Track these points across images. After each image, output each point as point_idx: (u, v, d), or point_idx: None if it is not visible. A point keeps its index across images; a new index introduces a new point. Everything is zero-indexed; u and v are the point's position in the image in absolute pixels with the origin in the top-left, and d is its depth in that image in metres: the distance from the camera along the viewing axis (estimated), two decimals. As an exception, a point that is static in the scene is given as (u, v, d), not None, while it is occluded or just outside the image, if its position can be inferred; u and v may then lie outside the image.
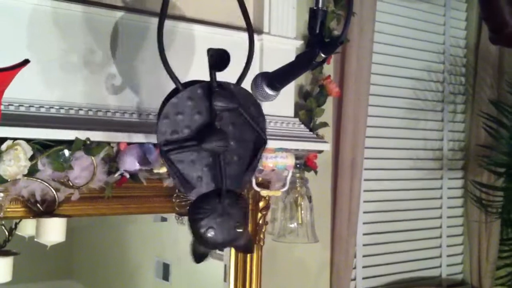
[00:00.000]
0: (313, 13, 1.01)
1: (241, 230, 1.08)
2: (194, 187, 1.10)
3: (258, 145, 1.15)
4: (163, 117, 1.09)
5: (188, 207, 1.11)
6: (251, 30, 1.21)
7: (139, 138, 1.40)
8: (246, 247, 1.18)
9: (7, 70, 1.03)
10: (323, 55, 0.99)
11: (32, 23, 1.37)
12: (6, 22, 1.34)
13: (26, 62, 1.07)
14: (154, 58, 1.49)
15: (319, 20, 0.99)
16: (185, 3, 1.61)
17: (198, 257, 1.14)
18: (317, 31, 0.99)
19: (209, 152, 1.09)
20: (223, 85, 1.10)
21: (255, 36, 1.74)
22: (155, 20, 1.49)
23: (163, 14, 1.13)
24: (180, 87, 1.11)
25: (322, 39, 0.99)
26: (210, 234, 1.05)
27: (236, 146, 1.12)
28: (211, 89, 1.08)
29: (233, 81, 1.16)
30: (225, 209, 1.07)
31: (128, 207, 1.54)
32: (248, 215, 1.15)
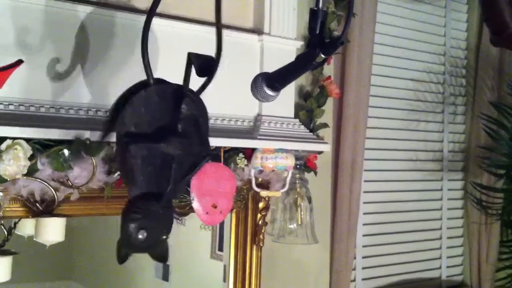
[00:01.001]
0: (313, 14, 1.01)
1: (165, 237, 1.07)
2: (136, 184, 1.06)
3: (198, 159, 1.11)
4: (129, 106, 1.07)
5: (125, 204, 1.08)
6: (220, 38, 1.18)
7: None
8: (162, 255, 1.14)
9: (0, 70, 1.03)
10: (323, 56, 0.99)
11: (31, 21, 1.37)
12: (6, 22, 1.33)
13: (19, 62, 1.06)
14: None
15: (319, 21, 0.99)
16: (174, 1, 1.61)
17: (122, 257, 1.10)
18: (317, 32, 0.99)
19: (164, 153, 1.06)
20: (191, 91, 1.09)
21: (256, 37, 1.76)
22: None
23: (152, 10, 1.10)
24: (152, 82, 1.09)
25: (322, 40, 0.99)
26: (141, 235, 1.03)
27: (181, 154, 1.09)
28: (183, 92, 1.07)
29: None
30: (159, 214, 1.05)
31: (128, 207, 1.53)
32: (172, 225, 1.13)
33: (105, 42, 1.47)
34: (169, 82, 1.13)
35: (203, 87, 1.15)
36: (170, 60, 1.46)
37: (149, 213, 1.04)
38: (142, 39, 1.08)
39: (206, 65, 1.08)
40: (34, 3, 1.37)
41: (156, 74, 1.11)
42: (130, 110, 1.07)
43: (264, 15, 1.78)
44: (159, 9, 1.10)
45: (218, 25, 1.20)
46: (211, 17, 1.64)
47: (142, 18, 1.14)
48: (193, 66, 1.07)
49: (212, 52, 1.17)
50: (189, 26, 1.62)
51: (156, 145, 1.05)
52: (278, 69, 1.04)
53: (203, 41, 1.57)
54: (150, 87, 1.09)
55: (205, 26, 1.62)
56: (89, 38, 1.45)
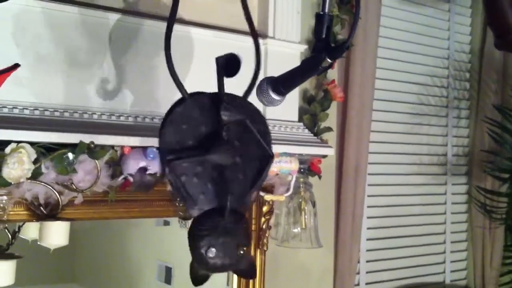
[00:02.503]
0: (319, 18, 1.01)
1: (243, 253, 1.01)
2: (196, 203, 1.03)
3: (263, 162, 1.08)
4: (168, 125, 1.05)
5: (190, 225, 1.04)
6: (257, 41, 1.16)
7: (147, 141, 1.39)
8: (247, 272, 1.09)
9: None
10: (329, 60, 0.98)
11: (29, 25, 1.37)
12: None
13: (16, 66, 1.06)
14: (148, 60, 1.48)
15: (325, 25, 0.99)
16: (187, 7, 1.61)
17: (199, 280, 1.06)
18: (323, 36, 0.99)
19: (214, 164, 1.03)
20: (231, 96, 1.06)
21: (260, 41, 1.75)
22: (148, 22, 1.50)
23: (171, 21, 1.09)
24: (187, 96, 1.07)
25: (328, 44, 0.99)
26: (211, 254, 0.97)
27: (241, 162, 1.06)
28: (220, 98, 1.04)
29: (237, 90, 1.12)
30: (227, 229, 0.99)
31: (131, 211, 1.53)
32: (251, 237, 1.08)
33: (129, 48, 1.48)
34: (204, 93, 1.09)
35: (250, 88, 1.12)
36: (187, 65, 1.46)
37: (216, 230, 0.99)
38: (166, 56, 1.05)
39: (232, 64, 1.03)
40: (64, 10, 1.39)
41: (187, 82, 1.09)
42: (171, 128, 1.04)
43: (268, 18, 1.78)
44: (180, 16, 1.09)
45: (255, 40, 1.17)
46: (219, 21, 1.66)
47: (162, 24, 1.13)
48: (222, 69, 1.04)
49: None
50: (201, 31, 1.63)
51: (203, 157, 1.01)
52: (284, 74, 1.04)
53: (212, 45, 1.58)
54: (185, 102, 1.06)
55: (214, 30, 1.63)
56: (113, 44, 1.46)
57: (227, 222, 1.00)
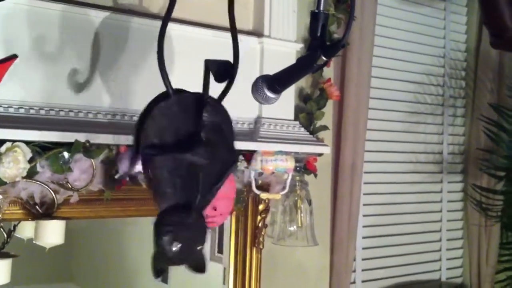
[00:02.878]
0: (315, 16, 1.01)
1: (199, 249, 1.05)
2: (165, 197, 1.05)
3: (228, 166, 1.11)
4: (150, 119, 1.07)
5: (156, 218, 1.07)
6: (236, 41, 1.16)
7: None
8: (199, 266, 1.12)
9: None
10: (324, 58, 0.98)
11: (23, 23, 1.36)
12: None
13: (13, 57, 1.06)
14: (144, 59, 1.48)
15: (320, 23, 0.99)
16: (184, 6, 1.61)
17: (158, 271, 1.08)
18: (319, 34, 0.99)
19: (190, 163, 1.05)
20: (213, 99, 1.09)
21: (255, 39, 1.76)
22: (140, 20, 1.50)
23: (167, 17, 1.10)
24: (171, 93, 1.08)
25: (323, 42, 0.99)
26: (175, 247, 1.01)
27: (209, 163, 1.08)
28: (203, 100, 1.07)
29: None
30: (191, 225, 1.04)
31: (127, 210, 1.53)
32: (207, 236, 1.13)
33: (119, 46, 1.48)
34: (188, 92, 1.12)
35: (224, 92, 1.13)
36: (180, 64, 1.45)
37: (181, 225, 1.02)
38: (158, 53, 1.06)
39: (223, 70, 1.06)
40: (50, 8, 1.38)
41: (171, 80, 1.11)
42: (152, 123, 1.07)
43: (264, 17, 1.78)
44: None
45: (233, 31, 1.18)
46: (217, 20, 1.66)
47: (155, 22, 1.13)
48: (211, 72, 1.07)
49: (219, 55, 1.17)
50: (197, 30, 1.62)
51: (182, 155, 1.04)
52: (279, 72, 1.04)
53: (210, 44, 1.58)
54: (169, 99, 1.08)
55: (212, 30, 1.63)
56: (102, 42, 1.45)
57: (191, 219, 1.03)
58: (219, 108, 1.10)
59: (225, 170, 1.09)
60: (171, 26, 1.53)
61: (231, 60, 1.11)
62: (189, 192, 1.05)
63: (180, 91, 1.11)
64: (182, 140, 1.06)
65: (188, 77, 1.15)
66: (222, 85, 1.11)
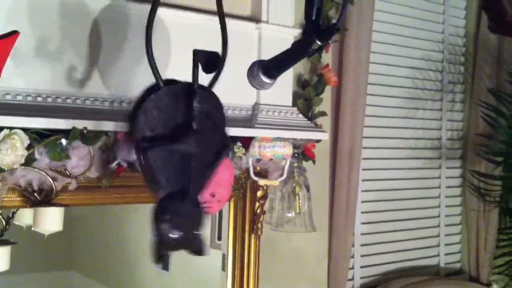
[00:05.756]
0: (309, 0, 1.00)
1: (196, 233, 1.09)
2: (161, 186, 1.08)
3: (219, 153, 1.14)
4: (142, 112, 1.09)
5: (153, 207, 1.10)
6: (225, 28, 1.18)
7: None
8: (199, 249, 1.16)
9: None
10: (319, 43, 0.98)
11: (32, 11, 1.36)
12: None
13: (15, 32, 1.06)
14: (140, 45, 1.48)
15: (315, 7, 0.99)
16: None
17: (160, 258, 1.12)
18: (314, 18, 0.98)
19: (182, 152, 1.08)
20: (202, 87, 1.11)
21: (253, 25, 1.75)
22: (136, 6, 1.48)
23: (155, 5, 1.11)
24: (161, 84, 1.11)
25: (318, 26, 0.98)
26: (174, 235, 1.05)
27: (201, 151, 1.11)
28: (192, 89, 1.09)
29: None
30: (188, 212, 1.07)
31: (126, 197, 1.53)
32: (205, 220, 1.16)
33: (118, 33, 1.47)
34: (178, 81, 1.13)
35: (213, 81, 1.16)
36: (173, 50, 1.44)
37: (178, 212, 1.06)
38: (146, 42, 1.09)
39: (211, 61, 1.09)
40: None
41: (164, 66, 1.12)
42: (144, 115, 1.08)
43: (262, 3, 1.76)
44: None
45: (222, 19, 1.19)
46: (209, 5, 1.64)
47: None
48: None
49: (213, 40, 1.17)
50: (190, 14, 1.61)
51: (173, 146, 1.07)
52: (274, 56, 1.04)
53: (204, 29, 1.57)
54: (159, 90, 1.10)
55: (206, 14, 1.62)
56: (101, 28, 1.44)
57: (188, 206, 1.07)
58: (210, 96, 1.12)
59: (217, 156, 1.11)
60: (165, 12, 1.53)
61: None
62: (183, 180, 1.08)
63: (170, 82, 1.13)
64: (174, 130, 1.08)
65: (184, 62, 1.15)
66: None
